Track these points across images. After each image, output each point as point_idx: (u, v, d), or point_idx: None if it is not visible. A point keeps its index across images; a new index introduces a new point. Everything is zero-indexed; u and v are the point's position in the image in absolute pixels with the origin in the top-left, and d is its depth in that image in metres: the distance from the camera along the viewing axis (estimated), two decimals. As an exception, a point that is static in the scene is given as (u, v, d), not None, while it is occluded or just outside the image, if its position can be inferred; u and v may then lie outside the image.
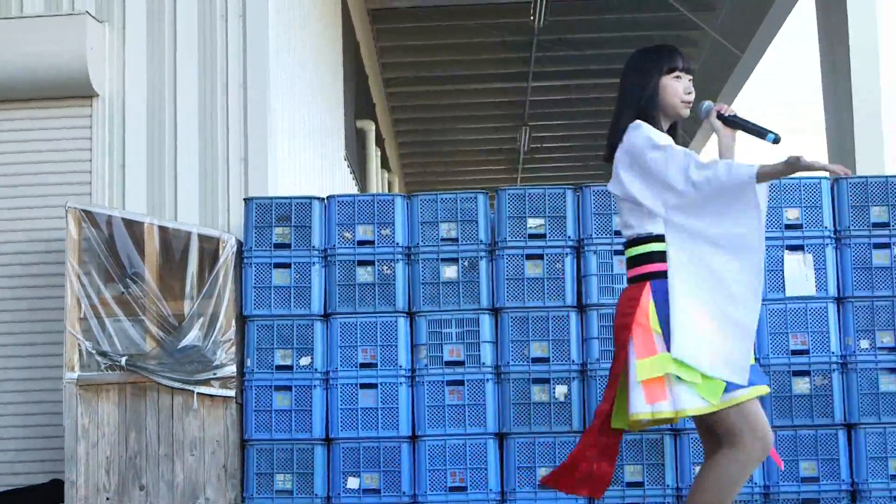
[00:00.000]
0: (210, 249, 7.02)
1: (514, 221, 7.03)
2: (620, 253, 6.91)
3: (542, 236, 7.01)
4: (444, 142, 23.10)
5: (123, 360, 6.86)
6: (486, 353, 6.92)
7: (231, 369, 6.92)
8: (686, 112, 4.72)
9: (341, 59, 13.24)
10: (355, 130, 15.33)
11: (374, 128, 16.62)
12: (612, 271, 6.92)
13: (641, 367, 4.48)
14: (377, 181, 17.11)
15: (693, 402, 4.44)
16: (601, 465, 4.71)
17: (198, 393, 6.88)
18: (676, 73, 4.71)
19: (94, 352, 6.89)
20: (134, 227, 7.02)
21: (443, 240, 7.05)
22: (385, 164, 19.58)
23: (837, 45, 11.23)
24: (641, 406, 4.47)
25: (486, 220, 7.07)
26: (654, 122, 4.68)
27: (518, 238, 7.02)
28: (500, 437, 6.88)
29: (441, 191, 7.25)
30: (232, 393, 6.93)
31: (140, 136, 7.84)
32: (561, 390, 6.87)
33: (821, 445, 6.77)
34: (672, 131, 4.78)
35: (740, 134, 4.71)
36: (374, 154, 16.59)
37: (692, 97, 4.72)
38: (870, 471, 6.74)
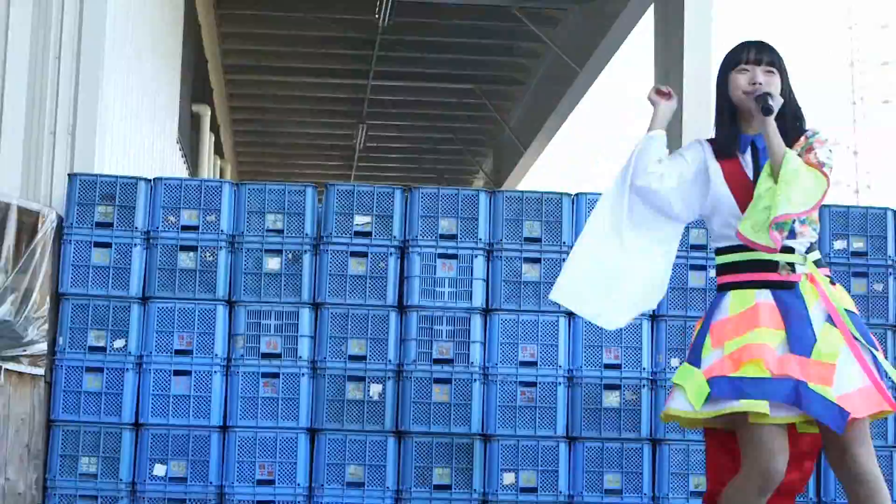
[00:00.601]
0: (29, 223, 6.85)
1: (342, 217, 7.02)
2: (444, 256, 7.00)
3: (368, 234, 7.01)
4: (281, 133, 22.99)
5: (-72, 330, 6.66)
6: (304, 348, 6.89)
7: (42, 347, 6.76)
8: (752, 104, 4.43)
9: (181, 40, 13.08)
10: (190, 114, 15.17)
11: (209, 113, 16.48)
12: (434, 274, 6.96)
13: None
14: (209, 167, 16.96)
15: (679, 404, 4.39)
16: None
17: (5, 369, 6.70)
18: (741, 67, 4.48)
19: None
20: (-50, 195, 6.82)
21: (268, 230, 7.00)
22: (219, 150, 19.42)
23: (672, 70, 11.48)
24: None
25: (313, 214, 7.04)
26: (731, 127, 4.56)
27: (344, 234, 7.01)
28: (312, 433, 6.87)
29: (271, 181, 7.21)
30: (41, 371, 6.77)
31: (-37, 99, 7.60)
32: (376, 389, 6.88)
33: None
34: (783, 128, 4.43)
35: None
36: (207, 139, 16.44)
37: (756, 87, 4.43)
38: None
